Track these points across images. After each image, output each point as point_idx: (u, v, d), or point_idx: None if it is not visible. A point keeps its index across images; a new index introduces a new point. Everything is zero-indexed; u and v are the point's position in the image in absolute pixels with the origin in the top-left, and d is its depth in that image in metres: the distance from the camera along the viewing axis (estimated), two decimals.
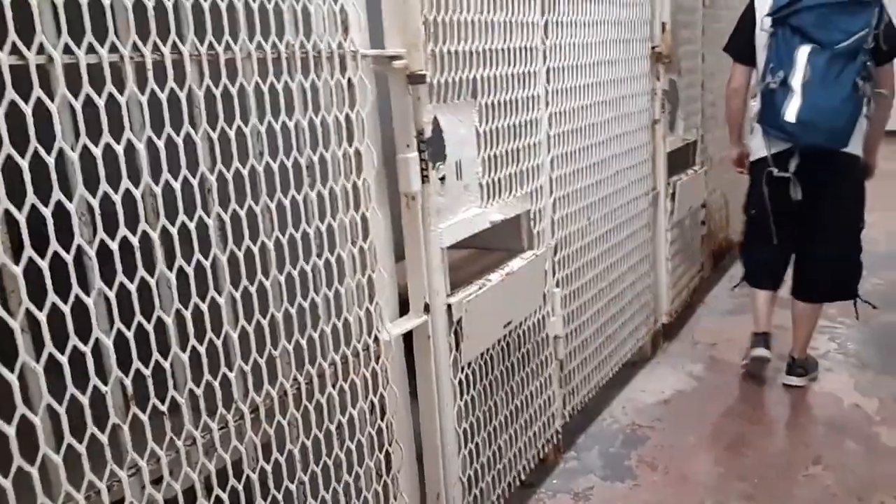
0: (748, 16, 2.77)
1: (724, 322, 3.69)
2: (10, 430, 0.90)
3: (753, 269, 3.05)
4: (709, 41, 3.71)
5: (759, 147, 2.78)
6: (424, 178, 1.62)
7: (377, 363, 1.52)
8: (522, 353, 2.14)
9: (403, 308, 1.69)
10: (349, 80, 1.41)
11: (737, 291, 4.06)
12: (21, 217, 0.89)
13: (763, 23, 2.65)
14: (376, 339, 1.52)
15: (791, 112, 2.53)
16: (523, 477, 2.19)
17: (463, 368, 1.81)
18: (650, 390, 2.96)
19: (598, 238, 2.63)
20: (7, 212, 0.88)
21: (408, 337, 1.70)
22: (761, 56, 2.70)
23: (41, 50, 0.92)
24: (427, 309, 1.67)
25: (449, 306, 1.73)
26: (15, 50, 0.88)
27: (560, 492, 2.28)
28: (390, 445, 1.58)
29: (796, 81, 2.52)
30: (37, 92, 0.90)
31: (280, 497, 1.31)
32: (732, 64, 2.89)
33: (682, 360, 3.24)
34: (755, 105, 2.78)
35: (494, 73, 1.90)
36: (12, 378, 0.89)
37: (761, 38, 2.69)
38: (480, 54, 1.83)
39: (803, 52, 2.52)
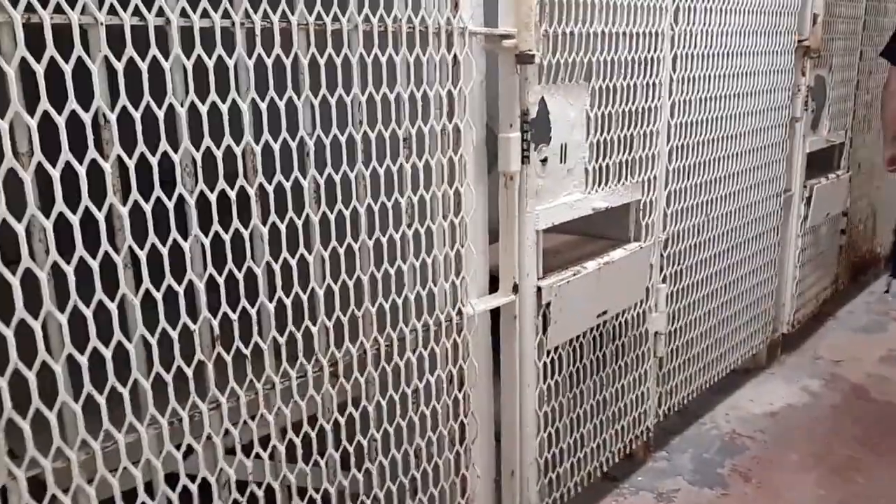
0: None
1: (853, 339, 3.44)
2: (108, 353, 1.00)
3: None
4: (870, 37, 3.42)
5: None
6: (525, 159, 1.62)
7: (459, 336, 1.55)
8: (617, 345, 2.11)
9: (495, 286, 1.71)
10: (455, 56, 1.43)
11: (876, 308, 3.80)
12: (131, 163, 0.99)
13: None
14: (459, 313, 1.55)
15: None
16: (606, 468, 2.16)
17: (549, 352, 1.81)
18: (759, 400, 2.82)
19: (716, 236, 2.53)
20: (119, 157, 0.98)
21: (497, 315, 1.72)
22: None
23: (161, 12, 1.01)
24: (515, 289, 1.69)
25: (539, 289, 1.73)
26: (136, 11, 0.97)
27: (644, 489, 2.23)
28: (465, 417, 1.61)
29: None
30: (153, 51, 0.99)
31: (351, 450, 1.38)
32: (889, 67, 2.83)
33: (799, 373, 3.05)
34: None
35: (613, 57, 1.86)
36: (112, 306, 1.00)
37: None
38: (599, 36, 1.79)
39: None
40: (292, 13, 1.15)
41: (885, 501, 2.19)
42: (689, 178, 2.31)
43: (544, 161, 1.70)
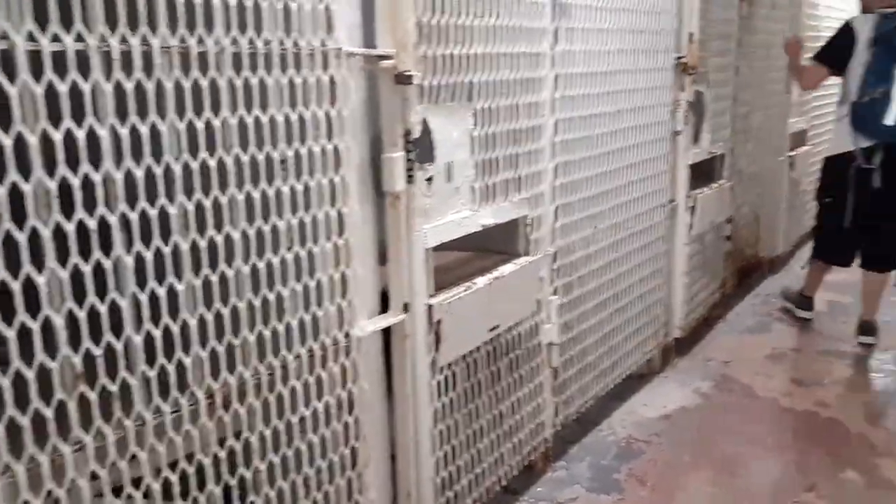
0: (848, 36, 3.30)
1: (741, 340, 3.62)
2: None
3: (829, 248, 3.63)
4: (743, 54, 3.63)
5: (843, 143, 3.35)
6: (410, 179, 1.63)
7: (347, 359, 1.54)
8: (512, 359, 2.14)
9: (388, 306, 1.70)
10: (331, 77, 1.42)
11: (761, 309, 4.01)
12: None
13: (866, 43, 3.22)
14: (347, 335, 1.53)
15: (890, 118, 3.15)
16: (505, 482, 2.18)
17: (442, 369, 1.82)
18: (653, 404, 2.92)
19: (605, 248, 2.61)
20: None
21: (389, 334, 1.71)
22: (857, 71, 3.24)
23: (4, 35, 0.95)
24: (406, 308, 1.68)
25: (430, 306, 1.74)
26: None
27: (543, 500, 2.27)
28: (357, 441, 1.59)
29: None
30: None
31: (234, 484, 1.34)
32: (817, 68, 3.46)
33: (691, 376, 3.18)
34: (841, 111, 3.37)
35: (495, 78, 1.90)
36: None
37: (861, 57, 3.23)
38: (479, 58, 1.83)
39: None
40: (154, 35, 1.12)
41: (771, 495, 2.31)
42: (575, 193, 2.37)
43: (430, 180, 1.71)
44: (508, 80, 1.96)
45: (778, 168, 4.46)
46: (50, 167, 1.02)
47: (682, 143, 3.06)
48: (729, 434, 2.69)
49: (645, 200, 2.84)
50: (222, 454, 1.31)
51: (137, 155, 1.12)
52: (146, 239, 1.14)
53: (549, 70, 2.14)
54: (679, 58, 2.92)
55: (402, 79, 1.55)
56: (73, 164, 1.04)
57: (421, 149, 1.66)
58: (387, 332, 1.70)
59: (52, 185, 1.02)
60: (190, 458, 1.26)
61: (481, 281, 1.91)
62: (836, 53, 3.37)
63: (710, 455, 2.55)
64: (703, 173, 3.44)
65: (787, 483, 2.38)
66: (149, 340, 1.17)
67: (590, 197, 2.46)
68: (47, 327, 1.04)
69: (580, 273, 2.47)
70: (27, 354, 1.01)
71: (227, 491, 1.33)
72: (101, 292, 1.09)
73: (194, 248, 1.21)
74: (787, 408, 2.90)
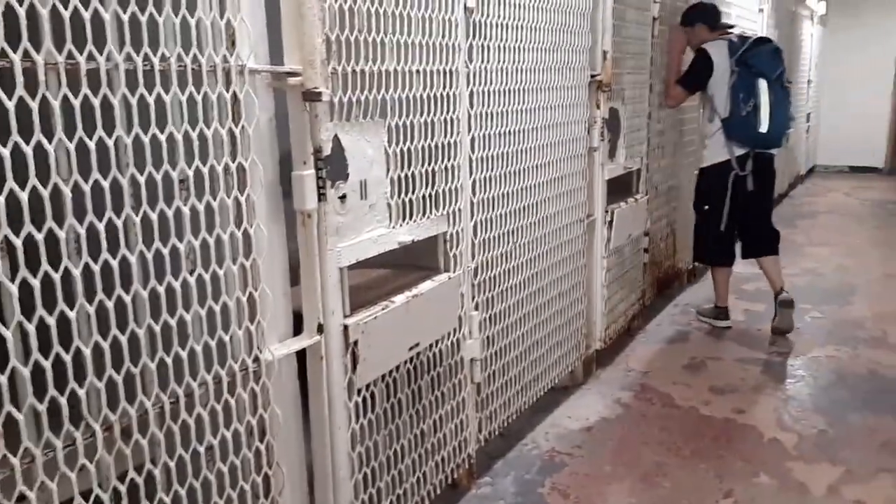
0: (705, 62, 3.70)
1: (660, 350, 3.71)
2: None
3: (717, 251, 3.97)
4: (658, 72, 3.75)
5: (719, 154, 3.78)
6: (322, 197, 1.60)
7: (258, 384, 1.49)
8: (433, 376, 2.12)
9: (301, 328, 1.66)
10: (234, 94, 1.38)
11: (679, 319, 4.12)
12: None
13: (729, 65, 3.64)
14: (257, 360, 1.48)
15: (764, 126, 3.62)
16: (429, 501, 2.16)
17: (360, 391, 1.79)
18: (576, 416, 2.95)
19: (526, 262, 2.63)
20: None
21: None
22: (722, 91, 3.67)
23: None
24: (321, 329, 1.65)
25: (346, 327, 1.71)
26: None
27: None
28: (270, 468, 1.55)
29: (764, 104, 3.60)
30: None
31: None
32: (681, 90, 3.83)
33: (613, 386, 3.23)
34: (713, 127, 3.78)
35: (409, 95, 1.90)
36: None
37: (723, 79, 3.66)
38: (393, 75, 1.82)
39: (763, 84, 3.60)
40: (37, 52, 1.06)
41: (688, 503, 2.35)
42: (494, 209, 2.38)
43: (343, 198, 1.68)
44: (423, 96, 1.95)
45: (692, 182, 4.60)
46: None
47: (598, 158, 3.13)
48: (649, 443, 2.74)
49: (564, 215, 2.88)
50: (123, 488, 1.24)
51: (22, 176, 1.05)
52: (33, 265, 1.08)
53: (465, 87, 2.14)
54: (594, 75, 2.99)
55: (311, 95, 1.53)
56: None
57: (333, 166, 1.63)
58: (302, 355, 1.66)
59: None
60: (87, 495, 1.19)
61: (399, 299, 1.89)
62: (697, 78, 3.78)
63: (630, 465, 2.58)
64: (620, 188, 3.52)
65: (706, 490, 2.43)
66: (38, 372, 1.10)
67: (509, 212, 2.48)
68: None
69: (501, 288, 2.48)
70: None
71: None
72: None
73: (87, 272, 1.15)
74: (705, 415, 2.97)
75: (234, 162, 1.40)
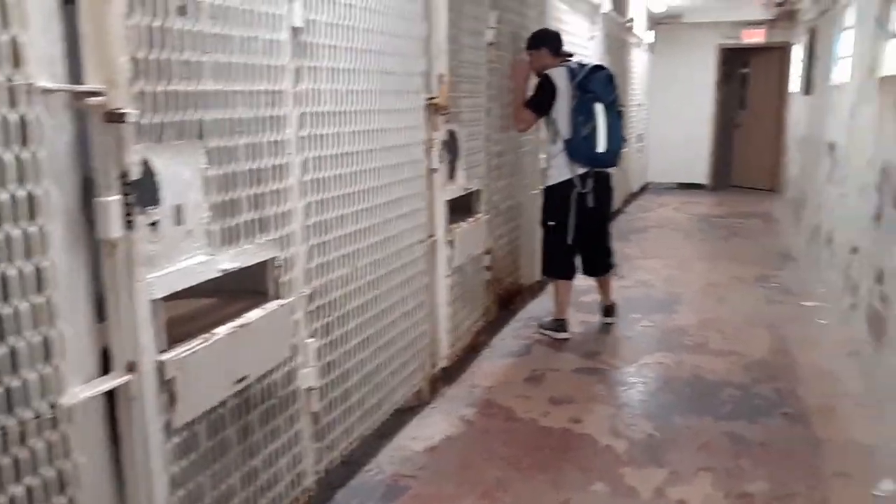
0: (550, 87, 3.96)
1: (504, 364, 3.80)
2: None
3: (561, 265, 4.22)
4: (494, 96, 3.86)
5: (562, 174, 4.04)
6: (129, 224, 1.49)
7: (55, 432, 1.36)
8: (265, 409, 2.04)
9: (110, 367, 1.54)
10: (22, 116, 1.26)
11: (522, 333, 4.24)
12: None
13: (569, 90, 3.91)
14: (53, 406, 1.35)
15: (601, 146, 3.93)
16: None
17: (180, 431, 1.68)
18: (421, 437, 2.95)
19: (366, 285, 2.60)
20: None
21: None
22: (564, 114, 3.95)
23: None
24: (132, 368, 1.53)
25: (160, 363, 1.60)
26: None
27: None
28: None
29: (601, 126, 3.91)
30: None
31: None
32: (530, 114, 4.06)
33: (458, 404, 3.27)
34: (556, 148, 4.04)
35: (231, 116, 1.82)
36: None
37: (564, 102, 3.93)
38: (212, 95, 1.74)
39: (599, 108, 3.91)
40: None
41: None
42: (330, 232, 2.34)
43: (155, 225, 1.58)
44: (247, 118, 1.88)
45: (531, 201, 4.79)
46: None
47: (438, 180, 3.16)
48: (491, 459, 2.79)
49: (405, 236, 2.88)
50: None
51: None
52: None
53: (293, 108, 2.10)
54: (430, 98, 3.03)
55: (114, 117, 1.43)
56: None
57: (143, 191, 1.53)
58: (113, 395, 1.53)
59: None
60: None
61: (223, 330, 1.81)
62: (543, 101, 4.01)
63: (473, 483, 2.61)
64: (460, 208, 3.59)
65: (544, 501, 2.50)
66: None
67: (347, 234, 2.45)
68: None
69: (340, 312, 2.44)
70: None
71: None
72: None
73: None
74: (545, 427, 3.06)
75: (22, 189, 1.28)
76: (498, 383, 3.52)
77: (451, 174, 3.35)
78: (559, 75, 3.95)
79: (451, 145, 3.29)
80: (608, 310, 4.44)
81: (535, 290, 5.06)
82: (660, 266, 6.01)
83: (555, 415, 3.17)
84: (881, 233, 3.70)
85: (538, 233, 4.92)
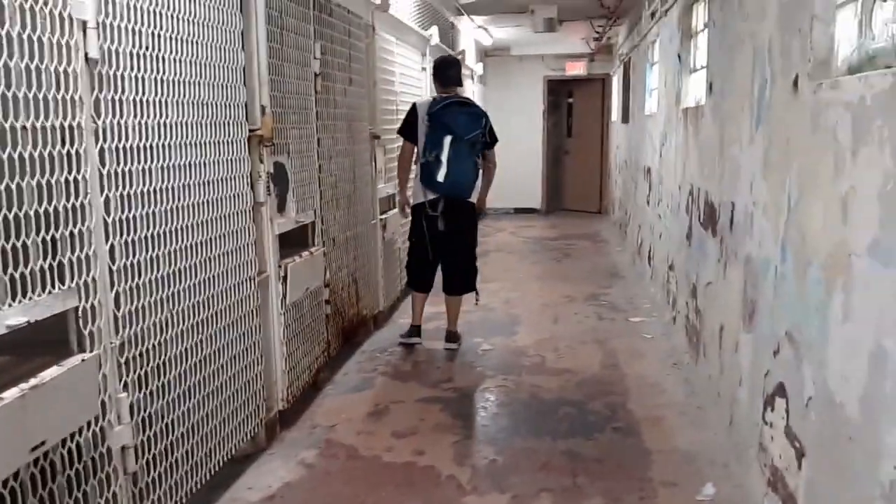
0: (414, 115, 4.34)
1: (347, 400, 3.71)
2: None
3: (416, 278, 4.60)
4: (324, 126, 3.80)
5: (418, 195, 4.40)
6: None
7: None
8: (70, 475, 1.83)
9: None
10: None
11: (366, 366, 4.17)
12: None
13: (424, 119, 4.22)
14: None
15: (441, 176, 4.19)
16: None
17: None
18: (258, 486, 2.80)
19: (187, 329, 2.43)
20: None
21: None
22: (421, 140, 4.26)
23: None
24: None
25: None
26: None
27: None
28: None
29: (444, 157, 4.16)
30: None
31: None
32: (404, 142, 4.44)
33: (298, 447, 3.14)
34: (416, 170, 4.39)
35: (16, 154, 1.64)
36: None
37: (422, 129, 4.25)
38: None
39: (448, 140, 4.17)
40: None
41: None
42: (143, 275, 2.17)
43: None
44: (36, 155, 1.70)
45: (370, 231, 4.76)
46: None
47: (266, 213, 3.05)
48: (333, 503, 2.68)
49: (231, 274, 2.74)
50: None
51: None
52: None
53: (94, 144, 1.93)
54: (253, 130, 2.92)
55: None
56: None
57: None
58: None
59: None
60: None
61: (11, 394, 1.60)
62: (405, 128, 4.44)
63: None
64: (295, 242, 3.48)
65: None
66: None
67: (162, 276, 2.28)
68: None
69: (158, 361, 2.26)
70: None
71: None
72: None
73: None
74: (387, 462, 3.00)
75: None
76: (340, 421, 3.42)
77: (282, 207, 3.24)
78: (423, 105, 4.33)
79: (279, 177, 3.19)
80: (450, 336, 4.56)
81: (380, 320, 5.02)
82: (499, 288, 6.17)
83: (398, 449, 3.12)
84: (692, 250, 4.00)
85: (379, 262, 4.92)
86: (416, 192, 4.42)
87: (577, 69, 11.21)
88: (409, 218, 4.60)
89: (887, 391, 1.60)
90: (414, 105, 4.42)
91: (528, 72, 11.35)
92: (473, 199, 4.48)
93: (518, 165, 11.36)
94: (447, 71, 4.43)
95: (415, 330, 4.58)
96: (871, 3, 1.96)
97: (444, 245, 4.39)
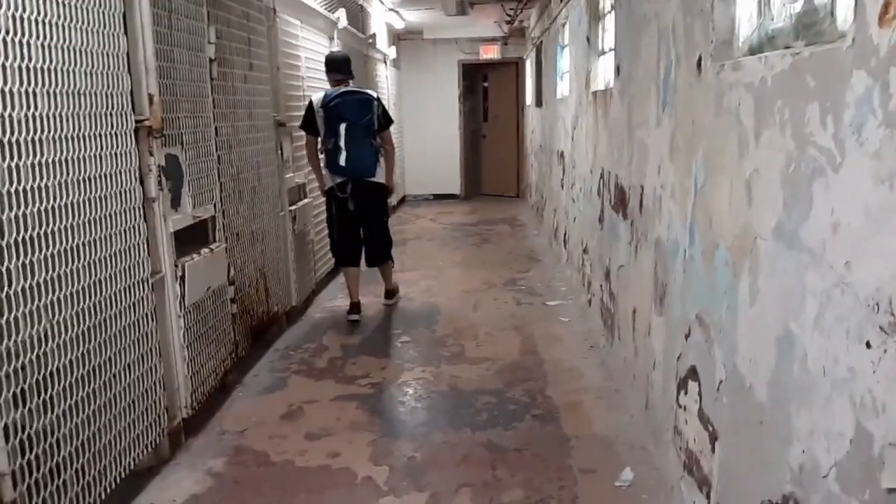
0: (311, 110, 4.68)
1: (258, 403, 3.54)
2: None
3: (340, 256, 4.96)
4: (223, 114, 3.60)
5: (328, 180, 4.76)
6: None
7: None
8: None
9: None
10: None
11: (278, 365, 4.01)
12: None
13: (320, 113, 4.59)
14: None
15: (342, 160, 4.58)
16: None
17: None
18: (161, 501, 2.62)
19: (70, 340, 2.23)
20: None
21: None
22: (321, 131, 4.63)
23: None
24: None
25: None
26: None
27: None
28: None
29: (343, 143, 4.55)
30: None
31: None
32: (306, 135, 4.77)
33: (204, 456, 2.96)
34: (323, 158, 4.72)
35: None
36: None
37: (320, 121, 4.62)
38: None
39: (343, 127, 4.55)
40: None
41: None
42: (13, 284, 1.97)
43: None
44: None
45: (280, 223, 4.57)
46: None
47: (158, 210, 2.84)
48: None
49: (119, 278, 2.54)
50: None
51: None
52: None
53: None
54: (140, 120, 2.71)
55: None
56: None
57: None
58: None
59: None
60: None
61: None
62: (305, 122, 4.74)
63: None
64: (194, 238, 3.28)
65: None
66: None
67: (36, 284, 2.08)
68: None
69: (38, 376, 2.06)
70: None
71: None
72: None
73: None
74: (300, 467, 2.87)
75: None
76: (250, 425, 3.26)
77: (176, 202, 3.04)
78: (317, 100, 4.65)
79: (172, 170, 2.98)
80: (387, 294, 5.21)
81: (292, 315, 4.85)
82: (418, 277, 6.08)
83: (312, 452, 2.99)
84: (605, 234, 4.00)
85: (290, 255, 4.75)
86: (326, 178, 4.76)
87: (491, 53, 11.18)
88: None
89: (795, 375, 1.59)
90: (310, 100, 4.72)
91: (442, 56, 11.25)
92: (379, 178, 4.79)
93: (436, 151, 11.31)
94: (336, 66, 4.82)
95: (354, 307, 4.87)
96: None
97: (358, 223, 4.81)
